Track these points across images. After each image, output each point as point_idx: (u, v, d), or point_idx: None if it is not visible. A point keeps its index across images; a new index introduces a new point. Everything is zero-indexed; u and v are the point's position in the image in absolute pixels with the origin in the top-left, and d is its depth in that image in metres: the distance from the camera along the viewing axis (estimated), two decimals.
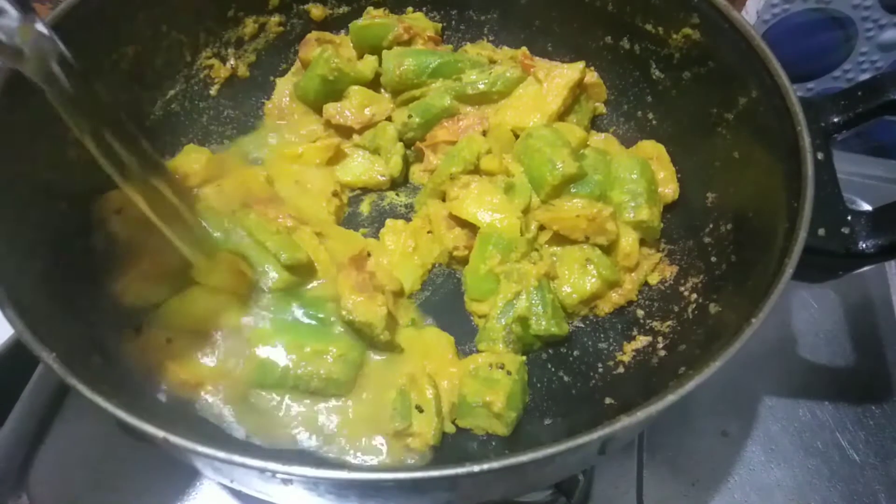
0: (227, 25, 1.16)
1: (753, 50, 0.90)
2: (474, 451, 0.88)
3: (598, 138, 1.15)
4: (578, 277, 0.97)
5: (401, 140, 1.13)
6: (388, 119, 1.15)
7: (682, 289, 0.99)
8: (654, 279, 1.03)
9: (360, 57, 1.19)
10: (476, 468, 0.60)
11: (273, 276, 0.92)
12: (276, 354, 0.88)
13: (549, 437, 0.67)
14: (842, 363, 1.13)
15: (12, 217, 0.81)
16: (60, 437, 1.01)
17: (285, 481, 0.63)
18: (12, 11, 0.57)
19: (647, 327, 0.99)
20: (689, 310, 0.95)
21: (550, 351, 0.98)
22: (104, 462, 0.98)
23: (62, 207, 0.91)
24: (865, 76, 1.50)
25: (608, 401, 0.91)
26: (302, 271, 0.94)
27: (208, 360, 0.87)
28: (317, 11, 1.23)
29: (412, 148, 1.14)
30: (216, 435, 0.85)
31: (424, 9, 1.26)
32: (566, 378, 0.96)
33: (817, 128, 0.89)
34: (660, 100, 1.12)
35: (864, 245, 0.83)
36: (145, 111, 1.10)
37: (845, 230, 0.84)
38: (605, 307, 1.00)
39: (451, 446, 0.88)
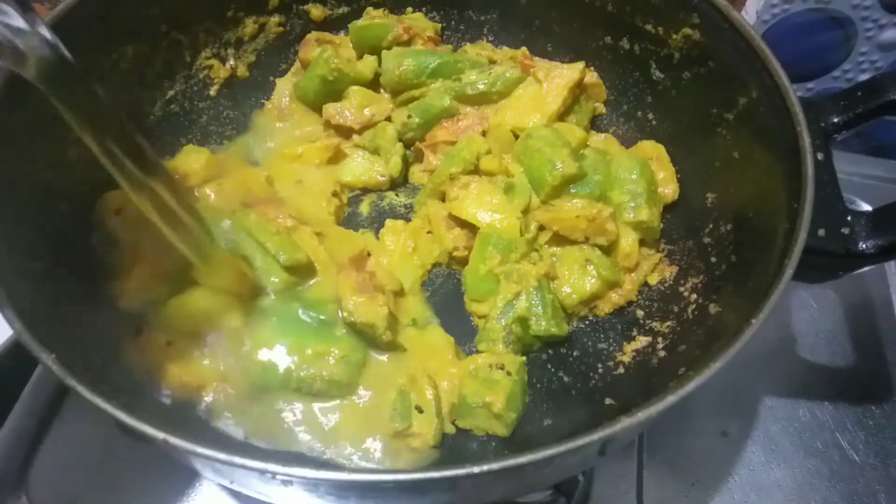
0: (226, 26, 1.16)
1: (753, 50, 0.90)
2: (474, 451, 0.88)
3: (597, 138, 1.15)
4: (578, 278, 0.97)
5: (400, 140, 1.13)
6: (388, 119, 1.15)
7: (681, 289, 0.99)
8: (653, 279, 1.03)
9: (360, 57, 1.19)
10: (476, 469, 0.60)
11: (273, 276, 0.92)
12: (279, 357, 0.88)
13: (549, 438, 0.67)
14: (842, 363, 1.13)
15: (12, 217, 0.81)
16: (60, 438, 1.01)
17: (285, 482, 0.63)
18: (13, 13, 0.57)
19: (647, 328, 0.99)
20: (689, 310, 0.95)
21: (550, 351, 0.98)
22: (104, 462, 0.98)
23: (62, 207, 0.91)
24: (865, 76, 1.50)
25: (608, 401, 0.91)
26: (302, 272, 0.94)
27: (209, 362, 0.87)
28: (316, 12, 1.22)
29: (412, 148, 1.14)
30: (216, 436, 0.85)
31: (424, 9, 1.26)
32: (566, 378, 0.96)
33: (817, 128, 0.89)
34: (660, 100, 1.12)
35: (864, 245, 0.83)
36: (145, 111, 1.10)
37: (845, 230, 0.84)
38: (604, 307, 1.00)
39: (450, 447, 0.88)
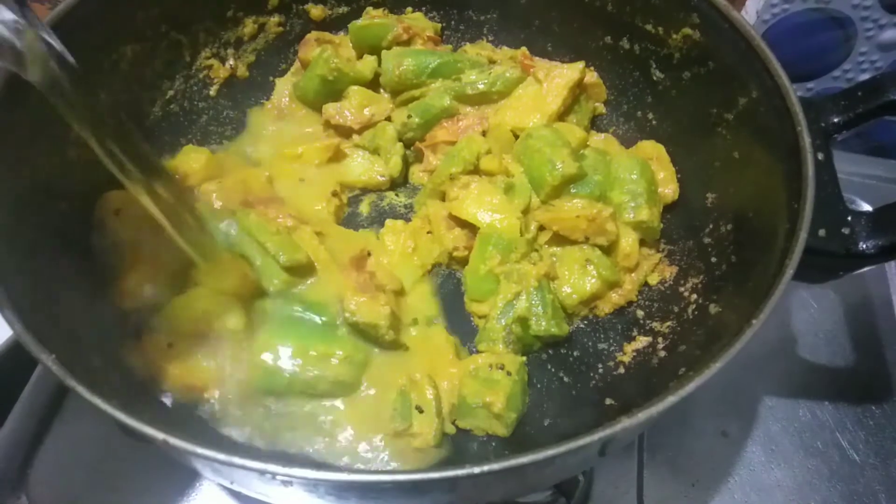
0: (226, 25, 1.16)
1: (753, 50, 0.90)
2: (474, 452, 0.88)
3: (597, 138, 1.15)
4: (578, 278, 0.97)
5: (400, 140, 1.13)
6: (388, 119, 1.15)
7: (682, 289, 0.99)
8: (653, 280, 1.03)
9: (360, 57, 1.19)
10: (476, 470, 0.60)
11: (273, 277, 0.92)
12: (282, 360, 0.88)
13: (549, 438, 0.67)
14: (842, 363, 1.13)
15: (12, 217, 0.81)
16: (60, 438, 1.01)
17: (285, 483, 0.63)
18: (12, 14, 0.57)
19: (647, 328, 0.99)
20: (689, 310, 0.95)
21: (550, 351, 0.98)
22: (104, 463, 0.98)
23: (62, 207, 0.91)
24: (865, 76, 1.50)
25: (608, 401, 0.91)
26: (302, 271, 0.94)
27: (211, 364, 0.87)
28: (316, 11, 1.22)
29: (412, 148, 1.14)
30: (216, 437, 0.85)
31: (424, 9, 1.26)
32: (566, 379, 0.96)
33: (817, 128, 0.88)
34: (660, 100, 1.12)
35: (864, 246, 0.83)
36: (144, 111, 1.10)
37: (846, 231, 0.83)
38: (605, 308, 1.00)
39: (450, 447, 0.88)
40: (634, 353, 0.96)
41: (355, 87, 1.15)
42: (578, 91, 1.12)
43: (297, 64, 1.22)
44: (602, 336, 1.00)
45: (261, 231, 0.93)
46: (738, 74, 0.93)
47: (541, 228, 1.00)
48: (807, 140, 0.81)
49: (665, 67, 1.09)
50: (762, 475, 1.02)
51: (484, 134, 1.10)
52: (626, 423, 0.64)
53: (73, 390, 0.65)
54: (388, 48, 1.16)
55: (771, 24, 1.42)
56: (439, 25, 1.26)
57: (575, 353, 0.98)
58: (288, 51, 1.24)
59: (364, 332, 0.90)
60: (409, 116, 1.11)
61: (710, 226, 0.99)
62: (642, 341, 0.97)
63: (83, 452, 0.99)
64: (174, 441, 0.61)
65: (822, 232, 0.82)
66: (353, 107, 1.13)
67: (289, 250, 0.92)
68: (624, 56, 1.14)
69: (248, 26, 1.18)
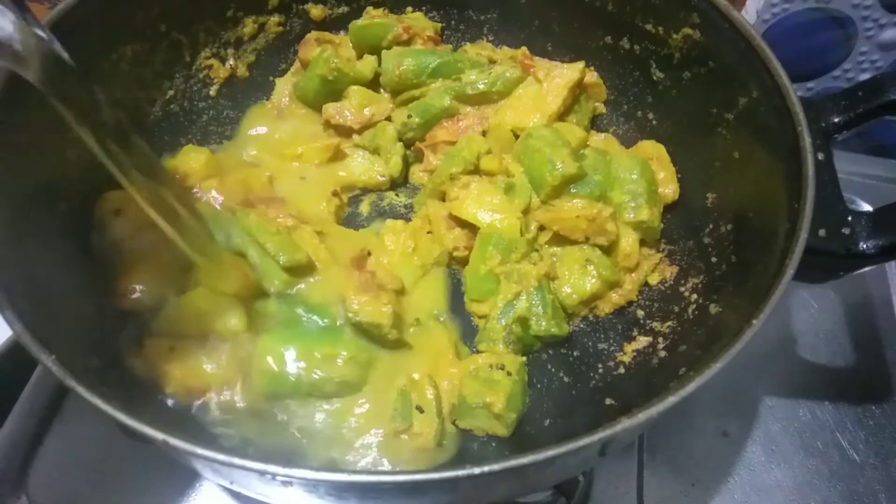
0: (226, 25, 1.16)
1: (753, 50, 0.90)
2: (474, 452, 0.88)
3: (598, 138, 1.15)
4: (578, 278, 0.97)
5: (400, 140, 1.13)
6: (388, 119, 1.15)
7: (682, 289, 0.99)
8: (654, 279, 1.02)
9: (360, 57, 1.19)
10: (476, 470, 0.60)
11: (274, 278, 0.92)
12: (287, 363, 0.87)
13: (550, 439, 0.67)
14: (842, 363, 1.13)
15: (12, 217, 0.81)
16: (60, 438, 1.01)
17: (285, 483, 0.63)
18: (9, 13, 0.57)
19: (648, 328, 0.99)
20: (690, 310, 0.95)
21: (550, 352, 0.98)
22: (103, 463, 0.98)
23: (62, 207, 0.91)
24: (865, 76, 1.50)
25: (608, 401, 0.91)
26: (302, 272, 0.94)
27: (214, 367, 0.87)
28: (316, 11, 1.22)
29: (412, 148, 1.14)
30: (216, 437, 0.84)
31: (424, 8, 1.26)
32: (566, 379, 0.96)
33: (818, 128, 0.88)
34: (660, 100, 1.12)
35: (864, 246, 0.83)
36: (144, 111, 1.10)
37: (846, 231, 0.83)
38: (605, 308, 1.00)
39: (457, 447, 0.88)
40: (634, 353, 0.96)
41: (355, 87, 1.15)
42: (578, 91, 1.12)
43: (297, 64, 1.22)
44: (602, 336, 1.00)
45: (261, 231, 0.93)
46: (739, 74, 0.93)
47: (541, 228, 1.00)
48: (807, 140, 0.81)
49: (665, 67, 1.09)
50: (762, 475, 1.02)
51: (484, 134, 1.10)
52: (626, 423, 0.64)
53: (72, 390, 0.65)
54: (388, 48, 1.16)
55: (771, 24, 1.42)
56: (439, 25, 1.26)
57: (575, 353, 0.98)
58: (288, 51, 1.24)
59: (367, 332, 0.90)
60: (410, 116, 1.11)
61: (711, 226, 0.99)
62: (642, 341, 0.97)
63: (83, 452, 0.99)
64: (174, 441, 0.61)
65: (822, 232, 0.82)
66: (353, 107, 1.13)
67: (288, 250, 0.92)
68: (624, 56, 1.14)
69: (248, 26, 1.18)
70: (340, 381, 0.87)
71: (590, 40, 1.17)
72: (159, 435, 0.62)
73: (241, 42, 1.19)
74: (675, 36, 1.04)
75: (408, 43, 1.17)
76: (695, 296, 0.96)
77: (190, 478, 0.99)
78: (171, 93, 1.13)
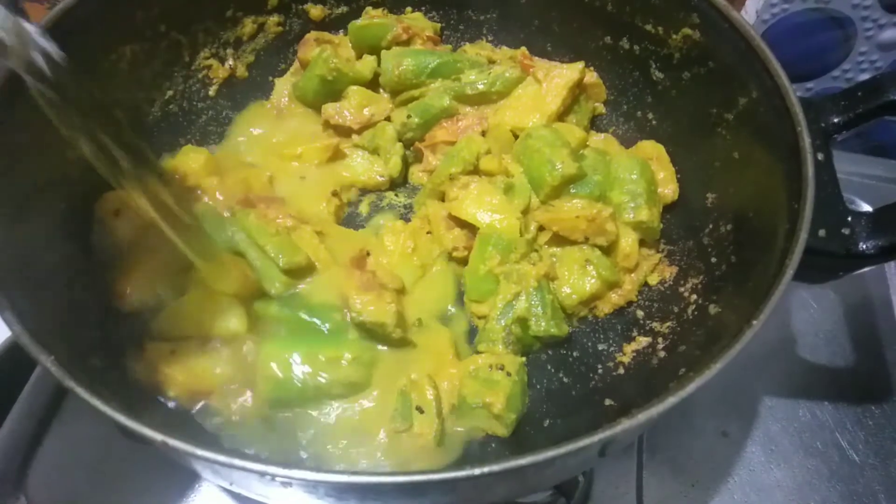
0: (225, 25, 1.16)
1: (753, 50, 0.90)
2: (474, 452, 0.88)
3: (597, 138, 1.15)
4: (578, 278, 0.97)
5: (400, 140, 1.13)
6: (387, 119, 1.15)
7: (681, 289, 0.99)
8: (653, 280, 1.02)
9: (359, 57, 1.19)
10: (476, 471, 0.60)
11: (274, 280, 0.92)
12: (293, 369, 0.87)
13: (549, 439, 0.67)
14: (842, 363, 1.13)
15: (12, 217, 0.81)
16: (59, 439, 1.01)
17: (285, 484, 0.63)
18: (2, 11, 0.57)
19: (647, 328, 0.99)
20: (689, 311, 0.95)
21: (550, 352, 0.98)
22: (103, 464, 0.98)
23: (62, 207, 0.91)
24: (865, 76, 1.50)
25: (608, 402, 0.91)
26: (302, 273, 0.94)
27: (216, 369, 0.87)
28: (315, 11, 1.22)
29: (411, 148, 1.14)
30: (216, 437, 0.84)
31: (423, 9, 1.26)
32: (566, 379, 0.96)
33: (817, 128, 0.88)
34: (659, 100, 1.12)
35: (864, 246, 0.83)
36: (143, 111, 1.10)
37: (846, 231, 0.83)
38: (604, 308, 1.00)
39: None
40: (634, 354, 0.96)
41: (355, 87, 1.15)
42: (578, 91, 1.12)
43: (296, 64, 1.22)
44: (602, 336, 1.00)
45: (260, 233, 0.93)
46: (738, 74, 0.93)
47: (540, 229, 1.00)
48: (807, 140, 0.81)
49: (665, 67, 1.09)
50: (762, 475, 1.02)
51: (483, 134, 1.10)
52: (625, 424, 0.64)
53: (71, 391, 0.65)
54: (388, 48, 1.16)
55: (770, 24, 1.42)
56: (439, 25, 1.25)
57: (575, 354, 0.98)
58: (287, 51, 1.24)
59: (371, 332, 0.90)
60: (409, 116, 1.11)
61: (710, 226, 0.99)
62: (642, 342, 0.97)
63: (82, 453, 0.99)
64: (173, 443, 0.61)
65: (822, 232, 0.82)
66: (352, 107, 1.13)
67: (288, 252, 0.92)
68: (624, 56, 1.14)
69: (248, 26, 1.18)
70: (347, 383, 0.87)
71: (589, 40, 1.17)
72: (158, 436, 0.62)
73: (240, 42, 1.19)
74: (674, 36, 1.04)
75: (407, 43, 1.17)
76: (694, 296, 0.96)
77: (189, 478, 0.99)
78: (170, 93, 1.13)
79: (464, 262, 1.02)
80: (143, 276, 0.91)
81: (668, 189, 1.05)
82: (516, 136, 1.08)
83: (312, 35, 1.19)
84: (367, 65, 1.16)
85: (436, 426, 0.86)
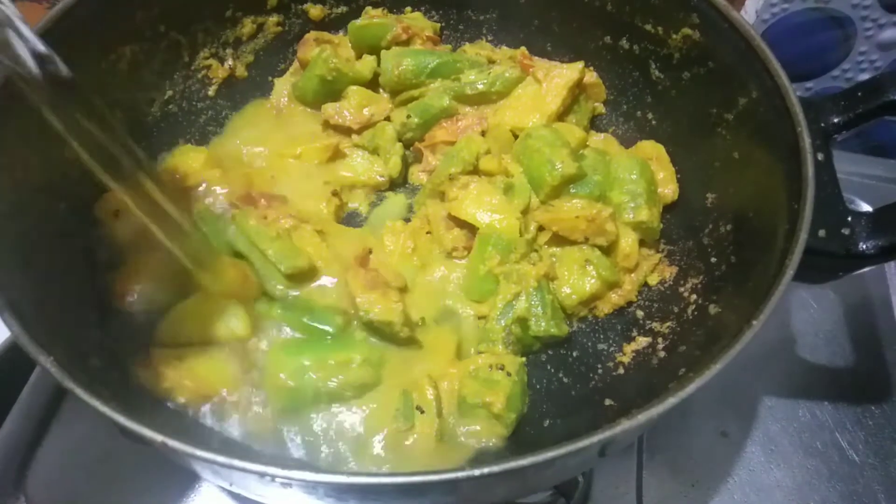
0: (225, 25, 1.16)
1: (753, 50, 0.90)
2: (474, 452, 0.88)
3: (597, 138, 1.15)
4: (578, 278, 0.97)
5: (400, 140, 1.13)
6: (387, 119, 1.15)
7: (681, 290, 0.99)
8: (653, 280, 1.02)
9: (359, 57, 1.19)
10: (476, 472, 0.60)
11: (277, 283, 0.92)
12: (304, 376, 0.87)
13: (549, 439, 0.67)
14: (841, 363, 1.13)
15: (12, 217, 0.81)
16: (58, 439, 1.01)
17: (284, 485, 0.63)
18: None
19: (647, 328, 0.99)
20: (689, 311, 0.95)
21: (550, 352, 0.98)
22: (102, 464, 0.98)
23: (62, 207, 0.91)
24: (865, 76, 1.50)
25: (608, 402, 0.91)
26: (304, 277, 0.94)
27: (222, 373, 0.87)
28: (315, 11, 1.22)
29: (411, 148, 1.14)
30: (215, 438, 0.84)
31: (423, 8, 1.26)
32: (566, 379, 0.96)
33: (817, 128, 0.88)
34: (659, 100, 1.12)
35: (864, 246, 0.83)
36: (143, 111, 1.10)
37: (845, 231, 0.83)
38: (604, 308, 1.00)
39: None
40: (634, 354, 0.96)
41: (354, 87, 1.15)
42: (578, 91, 1.12)
43: (295, 64, 1.21)
44: (602, 336, 1.00)
45: (260, 237, 0.93)
46: (738, 74, 0.93)
47: (540, 229, 1.00)
48: (807, 140, 0.81)
49: (665, 67, 1.09)
50: (762, 475, 1.02)
51: (483, 134, 1.10)
52: (625, 424, 0.64)
53: (71, 392, 0.65)
54: (388, 48, 1.16)
55: (770, 24, 1.42)
56: (438, 25, 1.25)
57: (574, 354, 0.98)
58: (287, 51, 1.24)
59: (378, 331, 0.90)
60: (409, 116, 1.11)
61: (710, 226, 0.99)
62: (642, 342, 0.97)
63: (82, 454, 0.99)
64: (173, 443, 0.61)
65: (822, 232, 0.82)
66: (352, 107, 1.13)
67: (289, 257, 0.92)
68: (624, 56, 1.14)
69: (247, 26, 1.18)
70: (358, 384, 0.87)
71: (589, 40, 1.17)
72: (158, 437, 0.62)
73: (239, 42, 1.19)
74: (674, 36, 1.04)
75: (407, 43, 1.17)
76: (694, 296, 0.96)
77: (189, 479, 0.99)
78: (169, 93, 1.13)
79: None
80: (142, 277, 0.90)
81: (668, 189, 1.05)
82: (516, 136, 1.08)
83: (312, 35, 1.19)
84: (366, 65, 1.16)
85: (436, 426, 0.85)
